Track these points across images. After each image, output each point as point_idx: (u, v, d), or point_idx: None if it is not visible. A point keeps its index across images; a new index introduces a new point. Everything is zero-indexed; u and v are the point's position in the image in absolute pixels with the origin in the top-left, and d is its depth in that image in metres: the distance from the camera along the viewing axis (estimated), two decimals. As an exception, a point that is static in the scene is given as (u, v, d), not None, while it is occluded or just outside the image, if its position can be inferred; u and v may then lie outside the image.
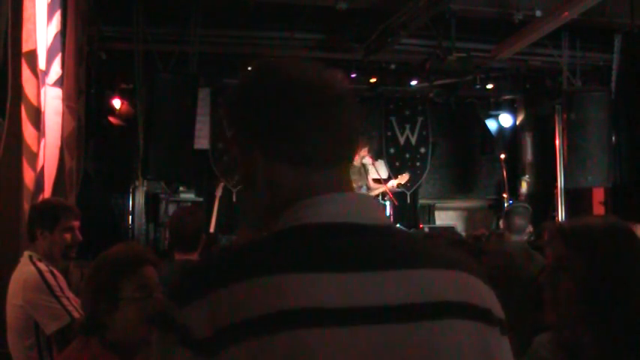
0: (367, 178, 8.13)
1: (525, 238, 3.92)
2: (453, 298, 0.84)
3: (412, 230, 8.83)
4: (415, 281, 0.83)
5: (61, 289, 2.53)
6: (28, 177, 3.28)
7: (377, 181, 8.37)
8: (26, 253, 2.65)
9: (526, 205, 4.18)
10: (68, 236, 2.70)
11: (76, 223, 2.75)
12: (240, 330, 0.75)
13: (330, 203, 0.87)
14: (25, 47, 3.24)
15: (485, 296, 0.88)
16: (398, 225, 8.78)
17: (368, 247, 0.84)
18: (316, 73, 0.92)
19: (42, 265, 2.57)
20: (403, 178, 8.37)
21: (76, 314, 2.48)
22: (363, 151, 8.06)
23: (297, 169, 0.88)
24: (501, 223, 4.01)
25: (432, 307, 0.82)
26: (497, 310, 0.89)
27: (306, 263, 0.80)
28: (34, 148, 3.32)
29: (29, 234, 2.70)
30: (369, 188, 8.15)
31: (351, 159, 0.93)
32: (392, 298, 0.80)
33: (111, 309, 1.65)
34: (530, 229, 4.01)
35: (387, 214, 8.42)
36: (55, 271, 2.59)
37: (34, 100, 3.31)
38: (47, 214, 2.69)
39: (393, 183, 8.13)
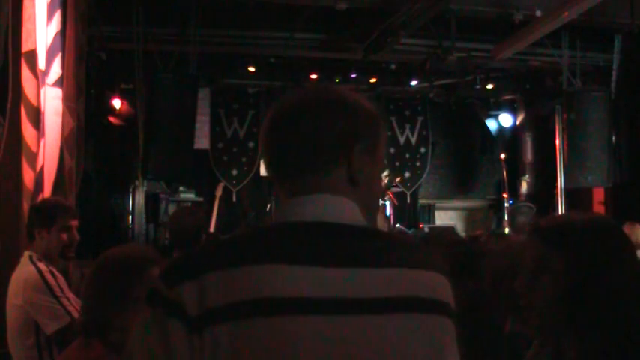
0: None
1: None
2: (420, 294, 0.93)
3: (412, 230, 8.84)
4: (385, 278, 0.92)
5: (62, 289, 2.53)
6: (28, 177, 3.28)
7: None
8: (26, 253, 2.65)
9: (530, 204, 4.19)
10: (65, 236, 2.69)
11: (74, 223, 2.74)
12: (224, 312, 0.84)
13: (310, 204, 0.97)
14: (25, 47, 3.24)
15: (446, 291, 0.97)
16: (398, 225, 8.78)
17: (343, 244, 0.94)
18: (299, 95, 1.07)
19: (42, 265, 2.57)
20: (394, 180, 8.38)
21: (76, 314, 2.47)
22: None
23: (281, 178, 1.02)
24: (505, 223, 4.02)
25: (402, 301, 0.91)
26: (453, 303, 0.98)
27: (288, 255, 0.90)
28: (33, 148, 3.32)
29: (28, 234, 2.70)
30: None
31: (338, 164, 0.99)
32: (364, 291, 0.90)
33: (120, 310, 1.65)
34: None
35: (387, 214, 8.43)
36: (55, 271, 2.59)
37: (33, 100, 3.31)
38: (44, 214, 2.69)
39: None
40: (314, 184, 0.98)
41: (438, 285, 0.96)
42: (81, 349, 1.68)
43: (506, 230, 8.23)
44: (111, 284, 1.67)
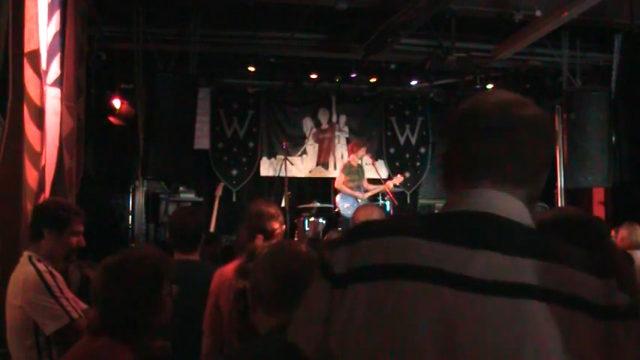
0: (363, 179, 8.16)
1: None
2: (534, 283, 0.94)
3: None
4: (502, 263, 0.96)
5: (60, 289, 2.53)
6: (31, 177, 3.28)
7: (374, 181, 8.40)
8: (26, 254, 2.65)
9: (545, 205, 4.16)
10: (75, 240, 2.70)
11: (82, 228, 2.75)
12: (367, 272, 1.00)
13: (477, 196, 1.06)
14: (27, 47, 3.24)
15: (579, 285, 0.96)
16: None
17: (481, 229, 1.01)
18: (486, 104, 1.11)
19: (41, 266, 2.56)
20: (398, 180, 8.39)
21: (74, 315, 2.47)
22: (361, 151, 8.07)
23: (460, 176, 1.10)
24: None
25: (511, 287, 0.94)
26: (595, 296, 0.95)
27: (425, 234, 1.01)
28: (37, 148, 3.31)
29: (34, 232, 2.67)
30: (365, 189, 8.17)
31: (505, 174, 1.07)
32: (479, 272, 0.96)
33: (157, 309, 1.68)
34: None
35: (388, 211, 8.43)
36: (54, 272, 2.59)
37: (36, 100, 3.31)
38: (59, 216, 2.67)
39: (389, 184, 8.15)
40: (481, 182, 1.06)
41: (575, 279, 0.96)
42: (90, 345, 1.69)
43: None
44: (149, 285, 1.69)
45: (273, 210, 2.82)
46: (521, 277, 0.95)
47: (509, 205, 1.04)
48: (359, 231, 1.08)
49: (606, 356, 0.92)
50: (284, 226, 2.90)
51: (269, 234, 2.75)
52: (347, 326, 0.99)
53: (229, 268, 2.69)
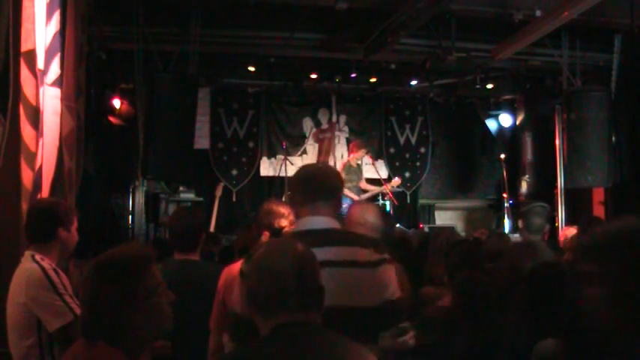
0: (361, 179, 8.15)
1: (540, 237, 3.85)
2: (358, 259, 2.08)
3: (411, 230, 8.83)
4: (344, 251, 2.05)
5: (64, 286, 2.54)
6: (26, 177, 3.28)
7: (374, 181, 8.40)
8: (27, 253, 2.65)
9: (544, 204, 4.08)
10: (77, 235, 2.76)
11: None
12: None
13: (312, 220, 2.20)
14: (24, 47, 3.24)
15: (367, 256, 2.12)
16: (397, 225, 8.79)
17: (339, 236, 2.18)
18: (311, 170, 2.39)
19: (45, 263, 2.57)
20: (395, 183, 8.40)
21: (78, 312, 2.47)
22: (360, 152, 8.06)
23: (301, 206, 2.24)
24: (520, 223, 3.96)
25: (348, 263, 2.04)
26: (372, 257, 2.13)
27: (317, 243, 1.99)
28: (32, 148, 3.31)
29: (44, 233, 2.68)
30: (361, 189, 8.18)
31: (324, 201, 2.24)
32: (336, 257, 2.03)
33: (131, 311, 1.66)
34: (547, 228, 3.96)
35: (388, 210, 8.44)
36: (59, 270, 2.60)
37: (32, 100, 3.30)
38: (68, 214, 2.74)
39: (387, 186, 8.17)
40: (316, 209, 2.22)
41: (364, 252, 2.14)
42: (84, 349, 1.67)
43: (511, 231, 8.22)
44: (113, 286, 1.67)
45: (283, 209, 2.86)
46: (352, 256, 2.06)
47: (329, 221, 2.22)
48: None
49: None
50: (294, 226, 2.91)
51: (276, 232, 2.77)
52: None
53: (237, 266, 2.69)
